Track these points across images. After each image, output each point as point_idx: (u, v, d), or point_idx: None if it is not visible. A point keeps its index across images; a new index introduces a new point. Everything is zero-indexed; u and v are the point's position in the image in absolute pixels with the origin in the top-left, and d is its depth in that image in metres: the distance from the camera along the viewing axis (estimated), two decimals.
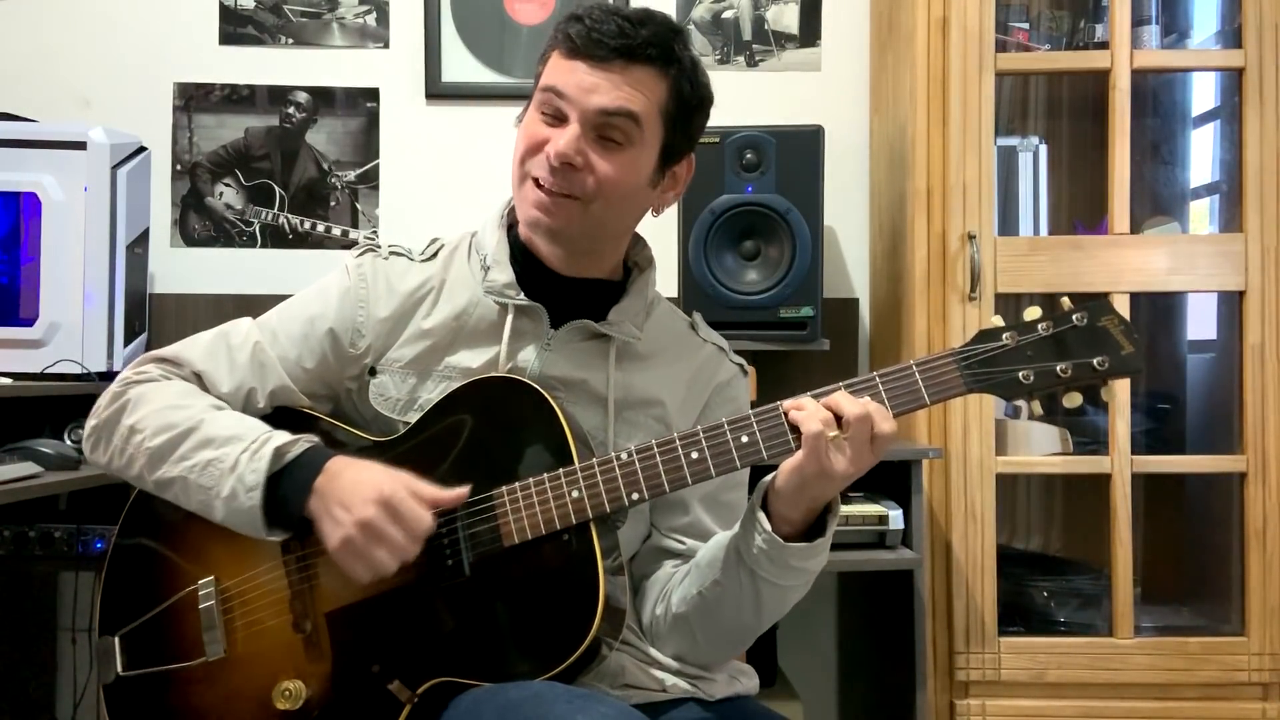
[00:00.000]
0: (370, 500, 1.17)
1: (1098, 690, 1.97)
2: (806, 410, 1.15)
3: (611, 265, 1.39)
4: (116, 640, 1.30)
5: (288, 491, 1.21)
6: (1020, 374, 1.15)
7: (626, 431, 1.34)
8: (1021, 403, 1.20)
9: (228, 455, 1.23)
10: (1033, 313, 1.18)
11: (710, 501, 1.37)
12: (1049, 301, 2.05)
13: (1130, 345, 1.15)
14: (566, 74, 1.27)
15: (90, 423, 1.33)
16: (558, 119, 1.28)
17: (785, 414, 1.17)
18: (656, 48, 1.27)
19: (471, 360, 1.33)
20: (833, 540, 1.27)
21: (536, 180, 1.29)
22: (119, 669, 1.29)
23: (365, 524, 1.17)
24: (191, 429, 1.26)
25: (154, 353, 1.37)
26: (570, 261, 1.35)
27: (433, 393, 1.31)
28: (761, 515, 1.21)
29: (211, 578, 1.27)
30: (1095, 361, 1.15)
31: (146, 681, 1.28)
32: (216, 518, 1.23)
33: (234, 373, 1.33)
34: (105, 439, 1.31)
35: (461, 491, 1.20)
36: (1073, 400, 1.17)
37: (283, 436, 1.24)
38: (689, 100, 1.31)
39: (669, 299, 1.47)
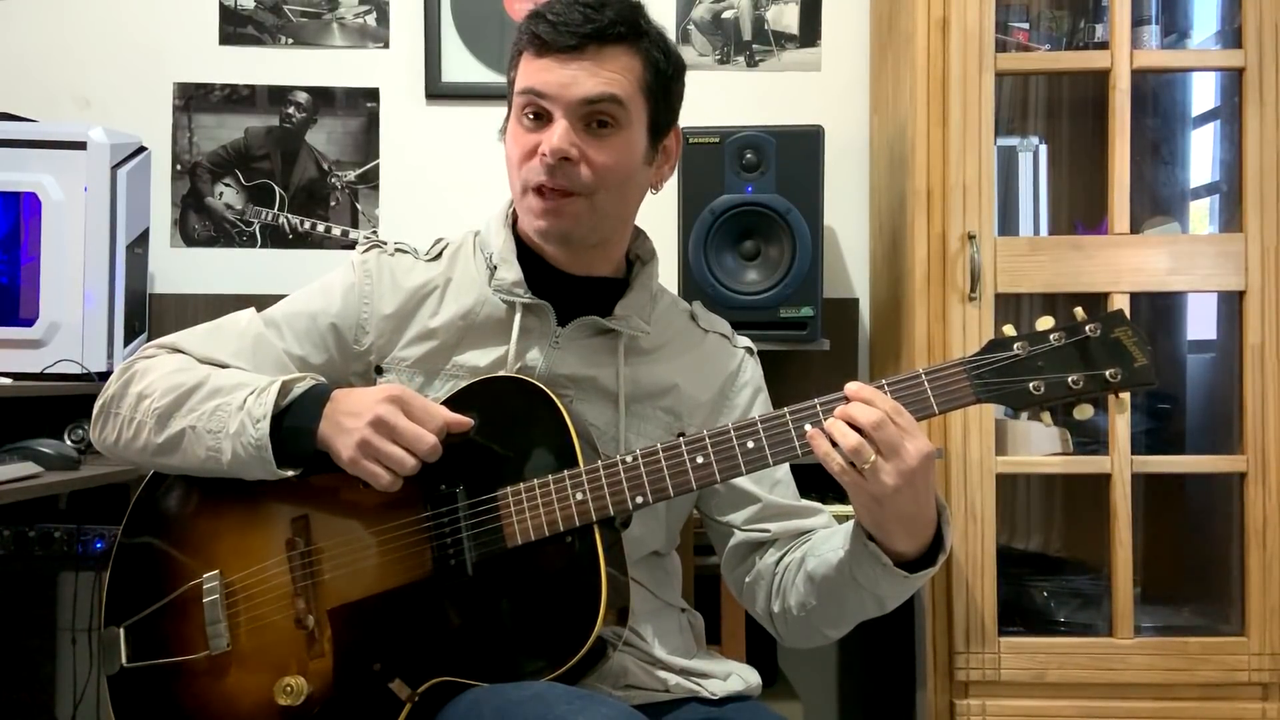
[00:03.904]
0: (379, 400, 1.19)
1: (1098, 690, 1.97)
2: (827, 451, 1.13)
3: (616, 260, 1.40)
4: (121, 631, 1.30)
5: (296, 422, 1.22)
6: (1030, 385, 1.14)
7: (637, 425, 1.34)
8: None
9: (235, 398, 1.24)
10: (1045, 322, 1.16)
11: (768, 481, 1.38)
12: (1049, 301, 2.08)
13: (1144, 357, 1.13)
14: (542, 72, 1.27)
15: (98, 403, 1.33)
16: (542, 119, 1.28)
17: (805, 436, 1.16)
18: (624, 25, 1.28)
19: (479, 359, 1.33)
20: None
21: (536, 188, 1.29)
22: (124, 660, 1.29)
23: (378, 420, 1.18)
24: (199, 384, 1.27)
25: (155, 341, 1.38)
26: (577, 259, 1.35)
27: (440, 392, 1.32)
28: (879, 551, 1.18)
29: (216, 572, 1.27)
30: (1108, 373, 1.13)
31: (150, 673, 1.28)
32: (224, 461, 1.23)
33: (237, 360, 1.33)
34: (113, 412, 1.31)
35: (469, 420, 1.21)
36: (1084, 412, 1.15)
37: (289, 376, 1.26)
38: (665, 71, 1.32)
39: None
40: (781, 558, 1.35)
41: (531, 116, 1.29)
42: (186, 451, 1.25)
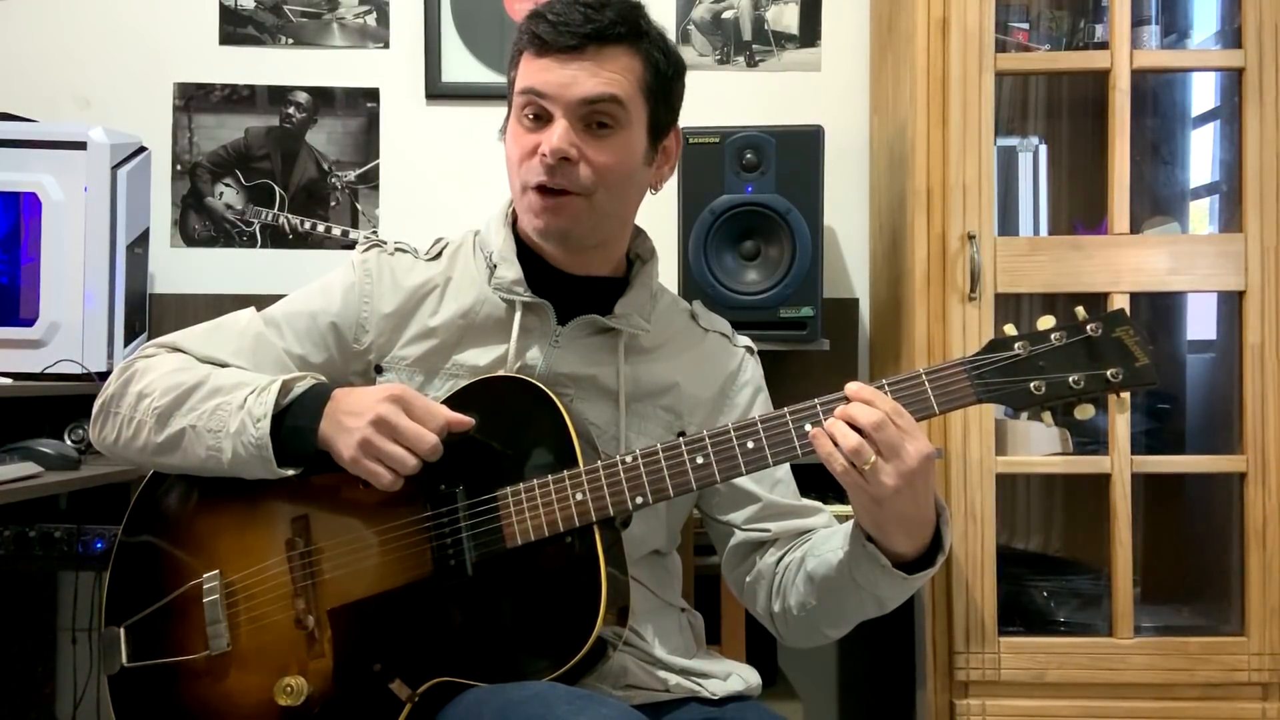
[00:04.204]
0: (381, 399, 1.19)
1: (1098, 690, 1.97)
2: (830, 451, 1.12)
3: (616, 260, 1.40)
4: (122, 631, 1.30)
5: (297, 422, 1.22)
6: (1031, 385, 1.14)
7: (638, 424, 1.34)
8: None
9: (236, 397, 1.24)
10: (1046, 322, 1.16)
11: (769, 481, 1.38)
12: (1049, 301, 2.08)
13: (1145, 357, 1.13)
14: (542, 73, 1.27)
15: (98, 402, 1.33)
16: (542, 120, 1.28)
17: (807, 437, 1.15)
18: (624, 25, 1.28)
19: (479, 358, 1.33)
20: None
21: (536, 188, 1.29)
22: (124, 660, 1.29)
23: (379, 420, 1.18)
24: (199, 383, 1.27)
25: (155, 340, 1.38)
26: (577, 259, 1.35)
27: (440, 391, 1.32)
28: (877, 553, 1.19)
29: (216, 571, 1.27)
30: (1109, 373, 1.14)
31: (150, 673, 1.28)
32: (225, 460, 1.23)
33: (238, 359, 1.33)
34: (113, 412, 1.31)
35: (470, 420, 1.21)
36: (1085, 412, 1.15)
37: (289, 375, 1.26)
38: (665, 71, 1.32)
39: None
40: (782, 557, 1.35)
41: (531, 116, 1.29)
42: (187, 451, 1.25)
